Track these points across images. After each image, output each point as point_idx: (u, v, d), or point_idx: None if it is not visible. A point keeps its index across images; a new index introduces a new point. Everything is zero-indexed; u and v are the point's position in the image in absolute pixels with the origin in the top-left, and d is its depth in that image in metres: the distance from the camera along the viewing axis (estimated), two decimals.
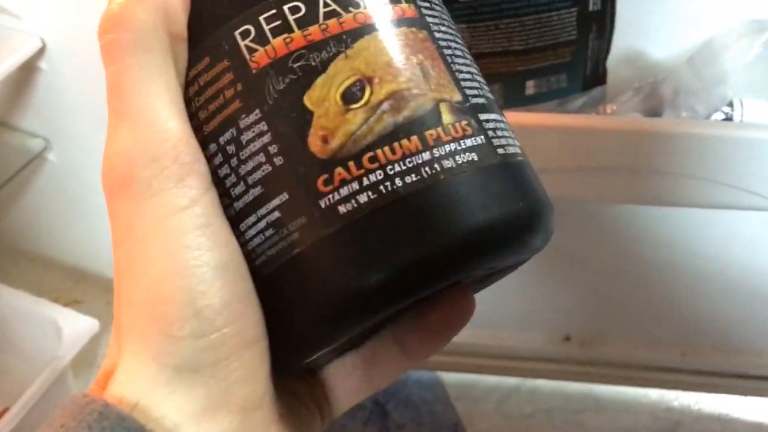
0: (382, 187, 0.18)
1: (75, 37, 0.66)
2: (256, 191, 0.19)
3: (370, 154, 0.18)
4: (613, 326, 0.78)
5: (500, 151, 0.20)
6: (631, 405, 0.83)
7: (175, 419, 0.17)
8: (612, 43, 0.59)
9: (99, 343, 0.78)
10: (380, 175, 0.18)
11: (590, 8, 0.57)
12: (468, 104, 0.20)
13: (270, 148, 0.18)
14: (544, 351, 0.80)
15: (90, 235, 0.85)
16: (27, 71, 0.71)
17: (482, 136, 0.19)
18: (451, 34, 0.21)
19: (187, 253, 0.17)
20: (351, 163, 0.18)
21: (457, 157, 0.18)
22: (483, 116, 0.20)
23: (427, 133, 0.18)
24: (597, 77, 0.60)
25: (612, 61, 0.60)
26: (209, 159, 0.19)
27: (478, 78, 0.21)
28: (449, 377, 0.85)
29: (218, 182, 0.19)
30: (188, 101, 0.19)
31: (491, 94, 0.21)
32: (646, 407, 0.83)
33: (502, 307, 0.77)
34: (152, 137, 0.18)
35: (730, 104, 0.59)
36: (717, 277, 0.72)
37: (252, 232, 0.19)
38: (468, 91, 0.20)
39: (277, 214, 0.18)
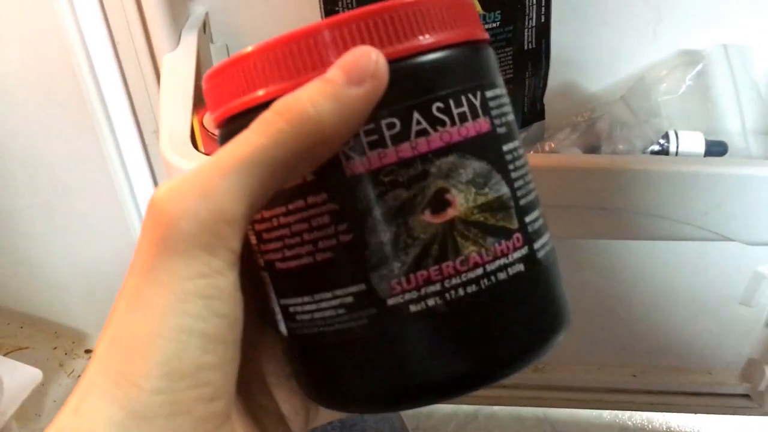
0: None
1: None
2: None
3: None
4: (565, 351, 0.79)
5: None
6: (585, 427, 0.84)
7: None
8: (548, 79, 0.60)
9: (45, 393, 0.77)
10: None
11: (525, 47, 0.57)
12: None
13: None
14: None
15: (34, 281, 0.83)
16: None
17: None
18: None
19: (181, 319, 0.18)
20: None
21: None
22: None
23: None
24: (535, 113, 0.61)
25: (549, 96, 0.61)
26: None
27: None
28: None
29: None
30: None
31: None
32: (600, 428, 0.84)
33: None
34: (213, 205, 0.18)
35: (665, 136, 0.59)
36: (663, 302, 0.73)
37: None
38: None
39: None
